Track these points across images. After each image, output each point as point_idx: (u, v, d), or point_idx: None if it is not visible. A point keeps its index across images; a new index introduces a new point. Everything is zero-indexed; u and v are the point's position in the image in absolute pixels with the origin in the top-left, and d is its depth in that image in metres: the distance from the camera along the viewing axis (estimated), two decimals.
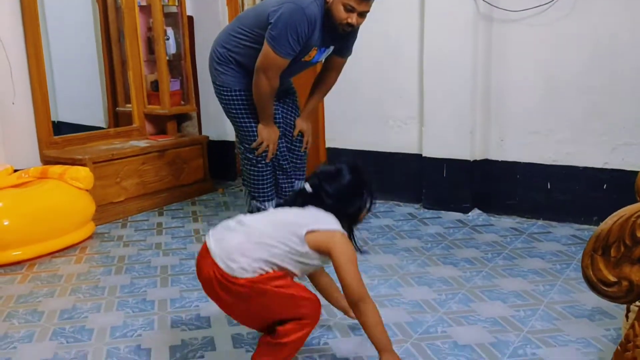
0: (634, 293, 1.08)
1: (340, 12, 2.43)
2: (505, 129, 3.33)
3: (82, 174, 3.08)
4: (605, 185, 3.06)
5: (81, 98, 4.44)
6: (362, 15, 2.47)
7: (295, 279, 1.68)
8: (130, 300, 2.34)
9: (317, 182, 1.74)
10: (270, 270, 1.60)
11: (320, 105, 3.96)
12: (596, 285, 1.10)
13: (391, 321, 2.05)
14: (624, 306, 1.46)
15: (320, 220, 1.66)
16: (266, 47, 2.47)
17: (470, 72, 3.27)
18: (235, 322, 2.11)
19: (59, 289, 2.48)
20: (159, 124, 4.20)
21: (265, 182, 2.77)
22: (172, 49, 4.07)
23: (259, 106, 2.63)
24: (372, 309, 1.62)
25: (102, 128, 4.21)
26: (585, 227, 3.08)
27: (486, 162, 3.41)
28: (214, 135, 4.33)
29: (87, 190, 3.11)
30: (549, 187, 3.23)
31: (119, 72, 4.20)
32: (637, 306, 1.13)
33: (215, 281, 1.60)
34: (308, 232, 1.62)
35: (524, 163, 3.29)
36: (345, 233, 1.69)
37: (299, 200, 1.75)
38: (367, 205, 1.77)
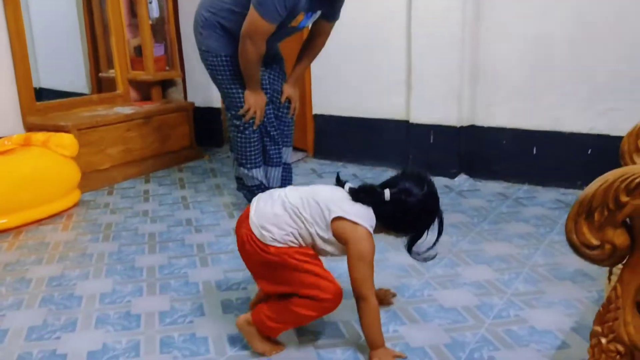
0: (617, 256, 1.10)
1: None
2: (492, 95, 3.33)
3: (67, 141, 3.05)
4: (590, 150, 3.08)
5: (63, 63, 4.35)
6: None
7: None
8: (118, 267, 2.34)
9: (399, 196, 1.64)
10: (299, 244, 1.64)
11: (307, 71, 3.92)
12: (580, 248, 1.12)
13: (379, 284, 2.07)
14: (606, 269, 1.49)
15: (353, 212, 1.63)
16: (252, 12, 2.43)
17: (458, 38, 3.25)
18: (224, 287, 2.13)
19: (47, 257, 2.47)
20: (144, 90, 4.14)
21: (252, 148, 2.76)
22: (155, 13, 3.99)
23: (245, 72, 2.59)
24: (371, 309, 1.62)
25: (85, 94, 4.15)
26: (570, 192, 3.12)
27: (473, 127, 3.42)
28: (200, 102, 4.28)
29: (71, 157, 3.08)
30: (534, 152, 3.26)
31: (101, 37, 4.12)
32: (619, 269, 1.15)
33: (248, 245, 1.66)
34: (335, 219, 1.62)
35: (510, 128, 3.31)
36: (371, 231, 1.63)
37: (367, 199, 1.66)
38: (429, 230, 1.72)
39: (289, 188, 1.77)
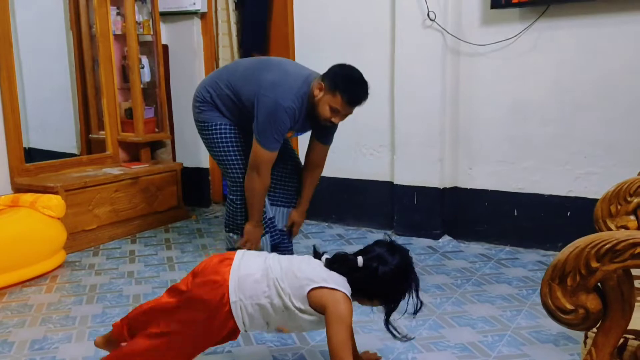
0: (590, 320, 1.14)
1: (325, 111, 2.52)
2: (473, 158, 3.43)
3: (54, 202, 3.07)
4: (569, 213, 3.16)
5: (53, 124, 4.41)
6: (346, 116, 2.58)
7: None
8: (101, 330, 2.32)
9: (371, 263, 1.71)
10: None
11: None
12: (554, 312, 1.15)
13: (362, 347, 2.08)
14: (583, 332, 1.52)
15: (331, 280, 1.68)
16: (255, 145, 2.56)
17: (439, 103, 3.37)
18: (209, 351, 2.11)
19: (30, 319, 2.45)
20: (133, 151, 4.20)
21: (243, 217, 2.78)
22: (147, 77, 4.10)
23: (250, 205, 2.66)
24: None
25: (75, 155, 4.19)
26: (551, 253, 3.17)
27: (455, 189, 3.50)
28: (188, 162, 4.34)
29: (58, 218, 3.10)
30: (515, 214, 3.33)
31: (93, 100, 4.21)
32: (593, 333, 1.19)
33: (211, 295, 1.68)
34: (313, 289, 1.66)
35: (491, 190, 3.39)
36: (348, 296, 1.67)
37: (342, 267, 1.72)
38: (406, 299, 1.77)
39: (272, 256, 1.80)
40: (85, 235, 3.49)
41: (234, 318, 1.68)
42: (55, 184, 3.37)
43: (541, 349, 2.10)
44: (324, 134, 2.79)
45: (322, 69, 2.59)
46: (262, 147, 2.54)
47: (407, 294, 1.73)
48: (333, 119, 2.55)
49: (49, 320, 2.44)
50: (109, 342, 1.94)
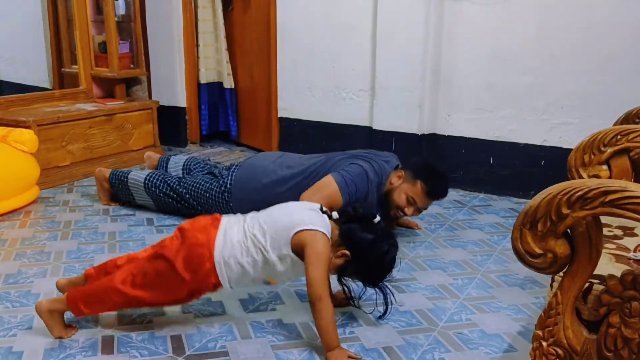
0: (558, 264, 1.17)
1: (401, 200, 2.45)
2: (453, 105, 3.43)
3: (26, 137, 3.00)
4: (543, 162, 3.21)
5: (24, 57, 4.27)
6: (420, 211, 2.50)
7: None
8: (77, 266, 2.33)
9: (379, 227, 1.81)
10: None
11: (272, 75, 3.97)
12: (524, 256, 1.19)
13: (336, 287, 2.12)
14: (550, 276, 1.57)
15: (310, 222, 1.73)
16: (329, 180, 2.41)
17: (421, 49, 3.34)
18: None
19: (4, 254, 2.44)
20: (107, 87, 4.11)
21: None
22: (122, 10, 3.97)
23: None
24: (326, 310, 1.68)
25: (47, 89, 4.08)
26: (523, 201, 3.24)
27: (433, 136, 3.51)
28: (164, 101, 4.26)
29: (31, 153, 3.04)
30: (491, 161, 3.37)
31: (65, 32, 4.06)
32: (560, 277, 1.23)
33: (197, 256, 1.73)
34: (295, 233, 1.71)
35: (468, 138, 3.41)
36: (328, 235, 1.74)
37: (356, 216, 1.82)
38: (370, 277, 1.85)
39: (250, 215, 1.84)
40: (59, 172, 3.44)
41: (218, 276, 1.73)
42: (27, 118, 3.29)
43: (508, 291, 2.17)
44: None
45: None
46: (336, 182, 2.39)
47: (371, 281, 1.85)
48: (406, 209, 2.46)
49: (23, 255, 2.43)
50: (73, 284, 1.92)
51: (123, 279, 1.75)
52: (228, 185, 2.69)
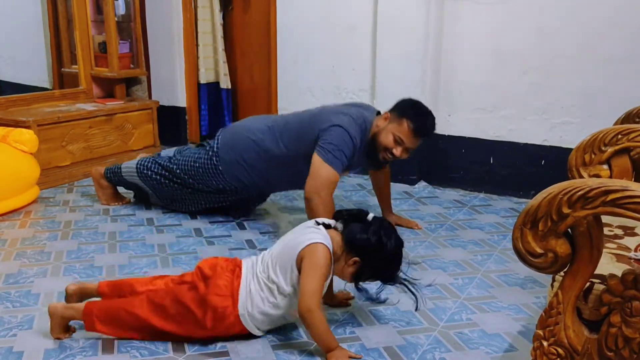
0: (558, 264, 1.17)
1: (388, 140, 2.44)
2: (453, 104, 3.43)
3: (26, 137, 3.00)
4: (543, 162, 3.21)
5: (24, 57, 4.27)
6: (408, 151, 2.49)
7: None
8: (77, 266, 2.33)
9: (378, 224, 1.79)
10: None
11: (273, 75, 3.97)
12: (524, 256, 1.19)
13: (337, 287, 2.12)
14: (551, 276, 1.57)
15: (308, 238, 1.73)
16: (321, 165, 2.40)
17: (421, 48, 3.33)
18: None
19: (4, 254, 2.44)
20: (107, 87, 4.10)
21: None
22: (122, 10, 3.97)
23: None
24: (316, 321, 1.66)
25: (46, 89, 4.07)
26: (523, 201, 3.24)
27: (433, 136, 3.50)
28: (164, 101, 4.26)
29: (31, 153, 3.04)
30: (491, 161, 3.37)
31: (65, 31, 4.06)
32: (561, 276, 1.22)
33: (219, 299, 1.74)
34: (298, 253, 1.72)
35: (468, 138, 3.41)
36: (329, 247, 1.73)
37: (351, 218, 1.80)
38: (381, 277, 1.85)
39: (260, 257, 1.84)
40: (59, 172, 3.44)
41: (245, 327, 1.75)
42: (27, 118, 3.29)
43: (508, 291, 2.17)
44: (372, 164, 2.70)
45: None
46: (327, 164, 2.39)
47: (388, 277, 1.83)
48: (394, 150, 2.45)
49: (23, 255, 2.43)
50: (83, 293, 1.88)
51: (144, 307, 1.75)
52: (215, 149, 2.70)
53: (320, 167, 2.40)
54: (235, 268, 1.80)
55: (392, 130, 2.44)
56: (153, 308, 1.74)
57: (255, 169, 2.65)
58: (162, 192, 2.88)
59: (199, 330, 1.75)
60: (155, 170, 2.83)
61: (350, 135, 2.43)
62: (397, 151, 2.46)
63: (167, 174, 2.80)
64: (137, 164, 2.88)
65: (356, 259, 1.76)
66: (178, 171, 2.77)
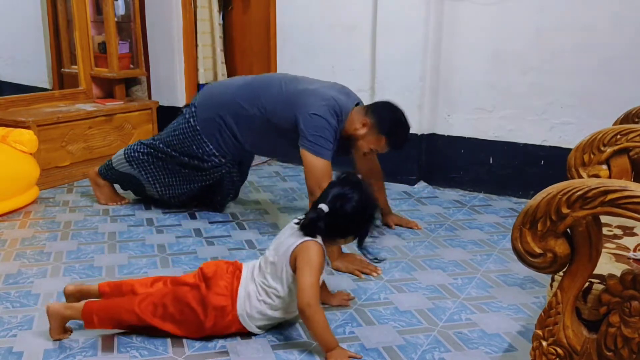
0: (558, 264, 1.18)
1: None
2: (452, 105, 3.43)
3: (26, 137, 3.00)
4: (542, 162, 3.21)
5: (24, 57, 4.27)
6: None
7: None
8: (77, 266, 2.33)
9: (335, 204, 1.76)
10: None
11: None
12: (524, 256, 1.19)
13: (336, 287, 2.13)
14: (550, 276, 1.57)
15: (298, 239, 1.75)
16: (312, 159, 2.41)
17: (421, 48, 3.33)
18: None
19: (4, 254, 2.44)
20: (107, 87, 4.10)
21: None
22: (121, 10, 3.96)
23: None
24: (316, 316, 1.67)
25: (45, 89, 4.07)
26: (523, 201, 3.24)
27: (433, 136, 3.51)
28: (164, 101, 4.26)
29: (31, 153, 3.04)
30: (491, 161, 3.37)
31: (65, 32, 4.06)
32: (560, 276, 1.23)
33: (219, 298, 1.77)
34: (291, 253, 1.74)
35: (468, 138, 3.41)
36: (318, 242, 1.75)
37: (313, 228, 1.76)
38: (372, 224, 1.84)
39: (257, 261, 1.86)
40: (59, 172, 3.44)
41: (243, 326, 1.78)
42: (27, 118, 3.29)
43: (508, 291, 2.17)
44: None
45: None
46: (318, 156, 2.40)
47: (373, 219, 1.82)
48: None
49: (23, 255, 2.43)
50: (82, 293, 1.89)
51: (143, 307, 1.76)
52: (192, 109, 2.75)
53: (313, 161, 2.42)
54: (236, 271, 1.82)
55: (369, 143, 2.48)
56: (153, 307, 1.76)
57: (229, 127, 2.67)
58: (152, 175, 2.90)
59: (199, 329, 1.77)
60: (141, 150, 2.88)
61: (329, 123, 2.45)
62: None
63: (152, 151, 2.85)
64: (124, 151, 2.95)
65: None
66: (161, 145, 2.82)
